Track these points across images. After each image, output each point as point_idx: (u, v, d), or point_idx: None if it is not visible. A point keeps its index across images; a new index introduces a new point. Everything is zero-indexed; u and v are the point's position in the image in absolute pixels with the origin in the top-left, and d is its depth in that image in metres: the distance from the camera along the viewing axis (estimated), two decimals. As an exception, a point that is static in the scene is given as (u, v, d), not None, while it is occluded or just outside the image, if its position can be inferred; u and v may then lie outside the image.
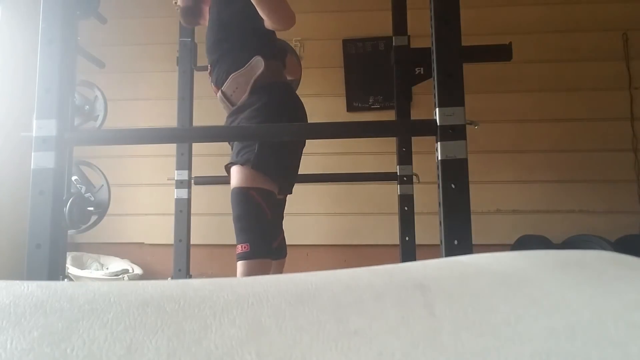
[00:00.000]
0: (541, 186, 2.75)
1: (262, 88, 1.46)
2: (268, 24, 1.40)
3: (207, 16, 1.61)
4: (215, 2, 1.53)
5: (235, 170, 1.42)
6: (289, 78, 1.75)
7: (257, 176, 1.39)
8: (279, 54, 1.60)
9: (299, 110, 1.55)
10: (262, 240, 1.38)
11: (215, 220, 2.63)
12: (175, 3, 1.67)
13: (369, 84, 2.86)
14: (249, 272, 1.34)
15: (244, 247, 1.34)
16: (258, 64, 1.45)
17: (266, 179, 1.41)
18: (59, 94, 1.09)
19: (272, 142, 1.43)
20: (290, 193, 1.61)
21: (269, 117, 1.43)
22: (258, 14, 1.39)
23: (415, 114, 2.60)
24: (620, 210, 2.66)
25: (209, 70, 1.59)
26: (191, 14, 1.65)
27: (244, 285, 0.31)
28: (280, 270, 1.73)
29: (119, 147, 2.63)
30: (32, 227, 1.03)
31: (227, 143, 1.65)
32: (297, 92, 2.21)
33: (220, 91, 1.52)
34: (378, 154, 2.74)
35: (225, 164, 1.47)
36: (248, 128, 1.36)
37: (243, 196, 1.38)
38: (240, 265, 1.35)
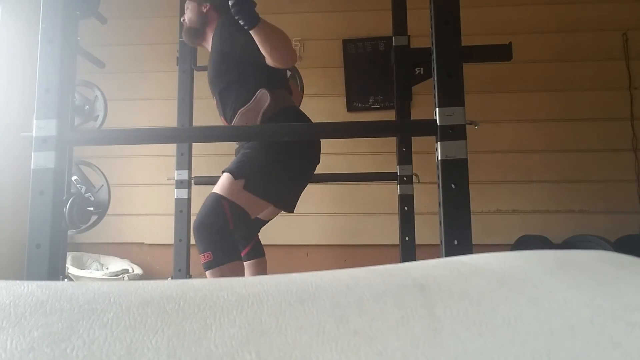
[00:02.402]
0: (541, 186, 2.75)
1: (271, 118, 1.46)
2: (269, 61, 1.39)
3: (209, 41, 1.61)
4: (218, 33, 1.53)
5: (224, 177, 1.41)
6: None
7: (243, 194, 1.36)
8: (283, 83, 1.59)
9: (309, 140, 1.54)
10: (226, 245, 1.34)
11: (215, 220, 2.62)
12: (183, 20, 1.68)
13: (369, 84, 2.86)
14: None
15: (207, 256, 1.31)
16: (264, 97, 1.45)
17: (255, 199, 1.38)
18: (59, 94, 1.09)
19: (275, 161, 1.41)
20: (291, 212, 1.56)
21: (283, 145, 1.42)
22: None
23: (415, 114, 2.60)
24: (620, 210, 2.66)
25: (215, 101, 1.59)
26: (195, 35, 1.65)
27: (244, 285, 0.31)
28: (262, 269, 1.72)
29: (119, 147, 2.63)
30: (32, 227, 1.03)
31: (227, 144, 1.65)
32: (297, 92, 2.21)
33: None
34: (378, 154, 2.74)
35: (223, 169, 1.46)
36: (248, 128, 1.36)
37: (214, 205, 1.34)
38: (209, 275, 1.32)
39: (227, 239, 1.34)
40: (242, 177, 1.37)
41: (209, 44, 1.63)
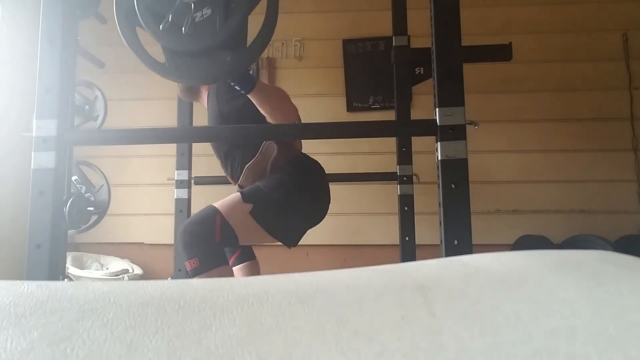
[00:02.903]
0: (541, 186, 2.75)
1: (281, 168, 1.44)
2: (270, 119, 1.36)
3: (204, 99, 1.60)
4: (214, 96, 1.51)
5: (233, 196, 1.39)
6: None
7: (245, 219, 1.33)
8: None
9: (323, 177, 1.55)
10: (212, 252, 1.30)
11: (215, 220, 2.62)
12: None
13: (369, 84, 2.86)
14: None
15: (194, 263, 1.27)
16: (270, 147, 1.44)
17: (256, 227, 1.35)
18: (59, 94, 1.09)
19: (290, 197, 1.40)
20: (289, 247, 1.51)
21: (296, 187, 1.41)
22: None
23: (415, 114, 2.60)
24: (620, 210, 2.66)
25: (220, 164, 1.58)
26: (190, 92, 1.65)
27: (244, 285, 0.31)
28: (255, 270, 1.71)
29: (119, 147, 2.63)
30: (32, 227, 1.03)
31: None
32: (298, 91, 2.21)
33: (238, 185, 1.50)
34: (378, 154, 2.74)
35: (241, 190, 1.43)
36: (249, 128, 1.35)
37: (207, 217, 1.31)
38: None
39: (213, 247, 1.31)
40: (251, 202, 1.34)
41: (204, 102, 1.62)
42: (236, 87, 1.26)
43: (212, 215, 1.31)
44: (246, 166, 1.46)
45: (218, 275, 1.30)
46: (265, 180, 1.43)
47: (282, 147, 1.45)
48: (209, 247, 1.30)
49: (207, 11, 0.94)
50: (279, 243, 1.44)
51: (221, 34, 0.93)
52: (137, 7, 0.96)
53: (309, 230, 2.70)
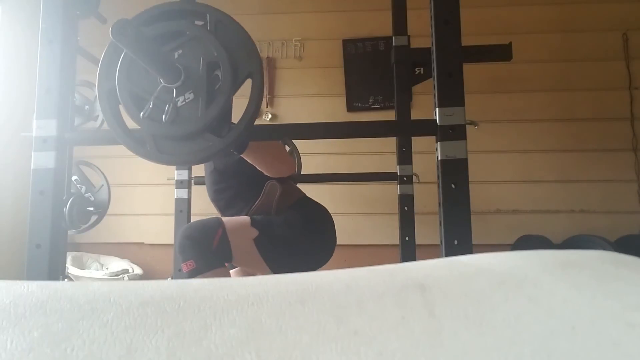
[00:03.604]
0: (541, 186, 2.75)
1: (284, 209, 1.43)
2: (267, 174, 1.37)
3: None
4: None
5: (243, 217, 1.38)
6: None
7: (247, 242, 1.33)
8: (287, 176, 1.55)
9: (330, 220, 1.54)
10: (208, 254, 1.30)
11: (215, 220, 2.63)
12: None
13: (369, 84, 2.86)
14: None
15: (190, 265, 1.27)
16: (273, 187, 1.42)
17: (256, 255, 1.35)
18: (59, 94, 1.09)
19: (298, 239, 1.39)
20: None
21: (301, 230, 1.39)
22: None
23: (415, 114, 2.60)
24: (620, 210, 2.66)
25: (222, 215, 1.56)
26: None
27: (244, 285, 0.31)
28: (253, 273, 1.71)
29: (119, 147, 2.62)
30: (32, 227, 1.03)
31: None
32: (298, 91, 2.21)
33: (250, 218, 1.48)
34: (378, 154, 2.74)
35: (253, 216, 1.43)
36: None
37: (210, 226, 1.31)
38: None
39: (209, 251, 1.31)
40: (258, 229, 1.34)
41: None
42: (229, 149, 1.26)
43: (215, 226, 1.31)
44: (249, 210, 1.44)
45: (214, 276, 1.29)
46: (277, 217, 1.42)
47: (286, 187, 1.44)
48: (205, 251, 1.29)
49: (189, 95, 0.91)
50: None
51: (204, 119, 0.90)
52: (119, 91, 0.93)
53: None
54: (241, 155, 1.28)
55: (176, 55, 0.93)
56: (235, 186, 1.48)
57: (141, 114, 0.91)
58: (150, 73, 0.92)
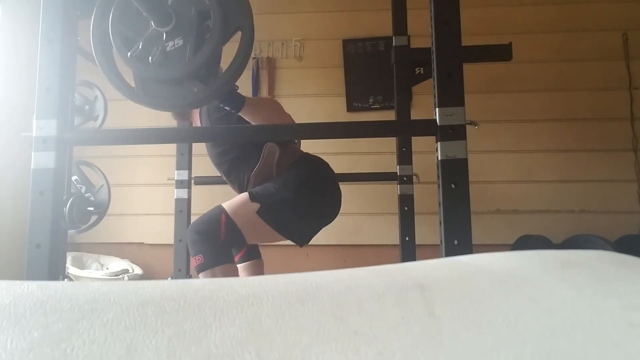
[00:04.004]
0: (541, 186, 2.75)
1: (288, 168, 1.44)
2: None
3: (197, 120, 1.61)
4: (206, 115, 1.51)
5: (240, 195, 1.39)
6: None
7: (251, 217, 1.34)
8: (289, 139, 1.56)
9: (334, 181, 1.54)
10: (217, 249, 1.33)
11: (215, 220, 2.62)
12: None
13: (369, 84, 2.86)
14: None
15: (199, 259, 1.31)
16: (272, 149, 1.43)
17: (263, 226, 1.36)
18: (59, 94, 1.09)
19: (299, 197, 1.39)
20: (301, 246, 1.52)
21: (300, 185, 1.40)
22: None
23: (415, 114, 2.60)
24: (620, 210, 2.66)
25: (226, 180, 1.58)
26: (180, 115, 1.67)
27: (244, 285, 0.31)
28: (258, 271, 1.71)
29: (119, 147, 2.63)
30: (32, 227, 1.03)
31: None
32: (297, 91, 2.21)
33: (248, 193, 1.50)
34: (378, 154, 2.74)
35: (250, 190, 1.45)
36: (248, 128, 1.35)
37: (214, 216, 1.34)
38: (201, 277, 1.32)
39: (218, 244, 1.33)
40: (259, 201, 1.35)
41: (196, 122, 1.62)
42: (226, 108, 1.27)
43: (217, 214, 1.34)
44: (252, 173, 1.46)
45: (222, 272, 1.31)
46: (274, 181, 1.43)
47: (284, 149, 1.45)
48: (214, 244, 1.32)
49: (178, 41, 0.93)
50: (289, 242, 1.45)
51: (190, 65, 0.92)
52: (111, 31, 0.95)
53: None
54: (239, 114, 1.29)
55: (169, 1, 0.94)
56: (236, 148, 1.49)
57: (129, 53, 0.93)
58: (143, 16, 0.93)
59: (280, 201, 1.37)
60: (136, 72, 0.94)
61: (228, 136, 1.39)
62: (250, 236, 1.38)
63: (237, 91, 1.26)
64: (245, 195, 1.38)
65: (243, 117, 1.32)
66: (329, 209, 1.52)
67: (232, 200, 1.38)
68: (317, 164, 1.53)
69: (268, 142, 1.44)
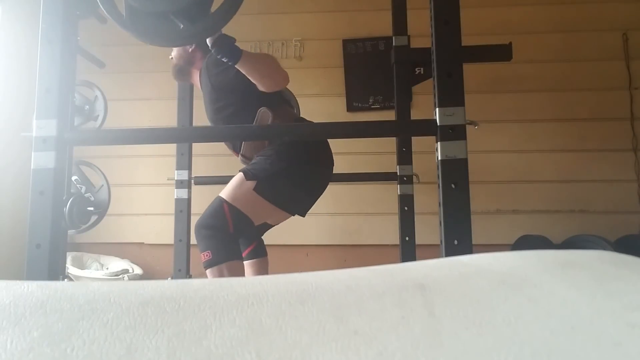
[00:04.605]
0: (541, 186, 2.75)
1: None
2: (261, 87, 1.39)
3: (196, 79, 1.62)
4: (206, 72, 1.52)
5: (236, 179, 1.41)
6: None
7: (251, 197, 1.36)
8: (283, 99, 1.58)
9: (325, 146, 1.54)
10: (225, 245, 1.35)
11: (215, 220, 2.62)
12: (171, 58, 1.68)
13: (369, 84, 2.86)
14: (219, 278, 1.33)
15: (207, 255, 1.33)
16: (265, 115, 1.44)
17: (264, 203, 1.38)
18: (59, 94, 1.09)
19: (290, 166, 1.40)
20: (302, 216, 1.55)
21: (294, 154, 1.42)
22: None
23: (415, 114, 2.60)
24: (620, 210, 2.66)
25: None
26: (181, 72, 1.67)
27: (244, 285, 0.31)
28: (263, 269, 1.72)
29: (119, 147, 2.63)
30: (32, 227, 1.03)
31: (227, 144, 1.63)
32: (298, 91, 2.21)
33: (240, 155, 1.51)
34: (378, 154, 2.74)
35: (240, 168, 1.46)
36: (248, 128, 1.35)
37: (217, 209, 1.36)
38: (208, 273, 1.33)
39: (227, 239, 1.35)
40: (254, 179, 1.37)
41: (197, 82, 1.63)
42: (224, 60, 1.28)
43: (219, 205, 1.35)
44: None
45: (229, 269, 1.33)
46: (266, 154, 1.44)
47: (278, 113, 1.46)
48: (224, 239, 1.34)
49: None
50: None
51: (179, 1, 0.93)
52: None
53: (308, 230, 2.69)
54: (236, 67, 1.31)
55: None
56: (233, 104, 1.50)
57: None
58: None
59: (275, 175, 1.38)
60: (126, 0, 0.95)
61: (229, 136, 1.40)
62: (254, 217, 1.40)
63: (235, 44, 1.28)
64: (239, 175, 1.40)
65: (240, 70, 1.33)
66: (323, 177, 1.53)
67: (228, 186, 1.40)
68: None
69: (262, 107, 1.45)
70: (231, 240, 1.36)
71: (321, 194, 1.55)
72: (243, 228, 1.39)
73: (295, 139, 1.44)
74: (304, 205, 1.51)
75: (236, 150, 1.54)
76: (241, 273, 1.41)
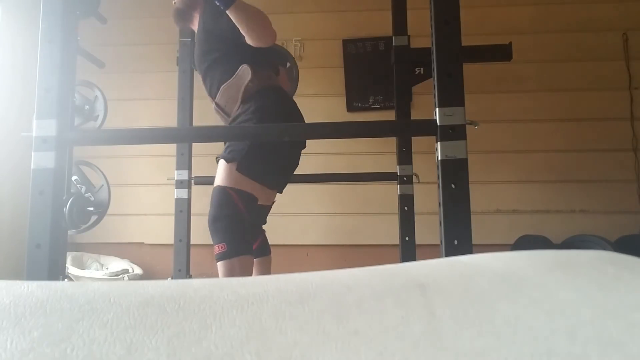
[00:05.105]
0: (541, 186, 2.75)
1: (253, 95, 1.46)
2: (248, 40, 1.41)
3: (196, 23, 1.64)
4: (203, 14, 1.55)
5: (220, 166, 1.44)
6: None
7: (240, 177, 1.40)
8: (270, 64, 1.60)
9: (294, 113, 1.55)
10: (240, 238, 1.38)
11: (215, 220, 2.62)
12: (174, 2, 1.69)
13: (369, 84, 2.86)
14: (230, 271, 1.34)
15: (221, 247, 1.35)
16: (245, 72, 1.46)
17: (250, 182, 1.41)
18: (59, 94, 1.09)
19: (263, 143, 1.42)
20: (280, 192, 1.61)
21: (262, 120, 1.43)
22: None
23: (415, 114, 2.60)
24: (620, 210, 2.66)
25: (202, 80, 1.61)
26: (182, 17, 1.68)
27: (244, 285, 0.31)
28: (267, 268, 1.73)
29: (119, 147, 2.63)
30: (32, 227, 1.03)
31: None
32: (298, 91, 2.21)
33: (214, 102, 1.53)
34: (378, 154, 2.74)
35: (216, 156, 1.49)
36: (248, 128, 1.35)
37: (222, 196, 1.39)
38: (220, 265, 1.35)
39: (242, 230, 1.38)
40: (234, 160, 1.41)
41: (195, 27, 1.65)
42: (216, 3, 1.31)
43: (224, 192, 1.38)
44: (222, 86, 1.50)
45: (240, 262, 1.35)
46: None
47: (258, 75, 1.47)
48: (239, 230, 1.37)
49: None
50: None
51: None
52: None
53: (308, 230, 2.69)
54: (227, 12, 1.33)
55: None
56: (219, 50, 1.52)
57: None
58: None
59: (250, 151, 1.40)
60: None
61: (228, 136, 1.39)
62: (254, 193, 1.43)
63: None
64: (222, 162, 1.44)
65: (231, 17, 1.35)
66: (291, 157, 1.55)
67: (219, 175, 1.43)
68: (277, 100, 1.54)
69: (244, 64, 1.47)
70: (246, 231, 1.40)
71: (290, 166, 1.59)
72: (252, 207, 1.42)
73: (266, 103, 1.46)
74: (279, 178, 1.55)
75: (211, 95, 1.57)
76: (251, 268, 1.43)
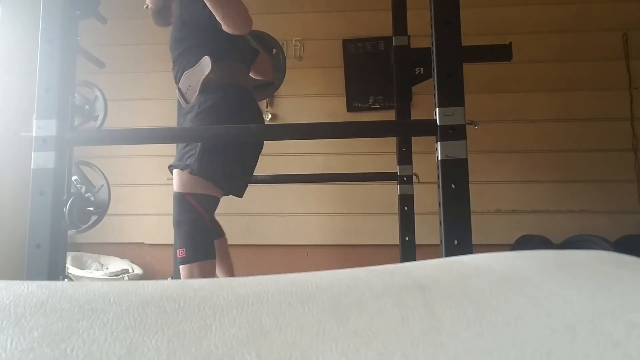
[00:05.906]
0: (541, 186, 2.75)
1: (211, 89, 1.45)
2: (224, 27, 1.40)
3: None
4: (179, 3, 1.54)
5: (175, 174, 1.45)
6: (258, 78, 1.74)
7: (195, 182, 1.40)
8: (241, 57, 1.58)
9: (253, 116, 1.52)
10: (200, 243, 1.39)
11: (215, 220, 2.62)
12: (146, 7, 1.68)
13: (369, 84, 2.86)
14: (190, 276, 1.36)
15: (182, 253, 1.37)
16: (205, 65, 1.45)
17: (206, 184, 1.40)
18: (59, 94, 1.09)
19: (217, 145, 1.41)
20: (240, 197, 1.56)
21: (214, 120, 1.42)
22: None
23: (415, 114, 2.60)
24: (620, 210, 2.66)
25: (172, 66, 1.61)
26: (161, 15, 1.68)
27: (244, 285, 0.31)
28: (226, 247, 1.71)
29: (119, 147, 2.63)
30: (32, 227, 1.03)
31: None
32: (298, 91, 2.21)
33: (177, 88, 1.53)
34: (378, 154, 2.74)
35: (168, 164, 1.49)
36: (247, 128, 1.35)
37: (180, 202, 1.40)
38: (181, 269, 1.37)
39: (202, 234, 1.39)
40: (186, 167, 1.41)
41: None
42: None
43: (182, 199, 1.40)
44: (185, 72, 1.50)
45: (201, 267, 1.36)
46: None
47: (221, 67, 1.46)
48: (199, 235, 1.38)
49: None
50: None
51: None
52: None
53: (308, 230, 2.67)
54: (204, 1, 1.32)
55: None
56: (191, 38, 1.51)
57: None
58: None
59: (203, 153, 1.40)
60: None
61: (227, 136, 1.39)
62: (212, 193, 1.44)
63: None
64: (175, 171, 1.45)
65: (207, 3, 1.34)
66: (254, 148, 1.53)
67: (175, 183, 1.44)
68: (242, 99, 1.52)
69: (207, 55, 1.45)
70: (207, 235, 1.41)
71: (247, 166, 1.56)
72: (212, 207, 1.44)
73: (221, 100, 1.45)
74: (237, 181, 1.52)
75: (176, 80, 1.57)
76: (211, 272, 1.43)
